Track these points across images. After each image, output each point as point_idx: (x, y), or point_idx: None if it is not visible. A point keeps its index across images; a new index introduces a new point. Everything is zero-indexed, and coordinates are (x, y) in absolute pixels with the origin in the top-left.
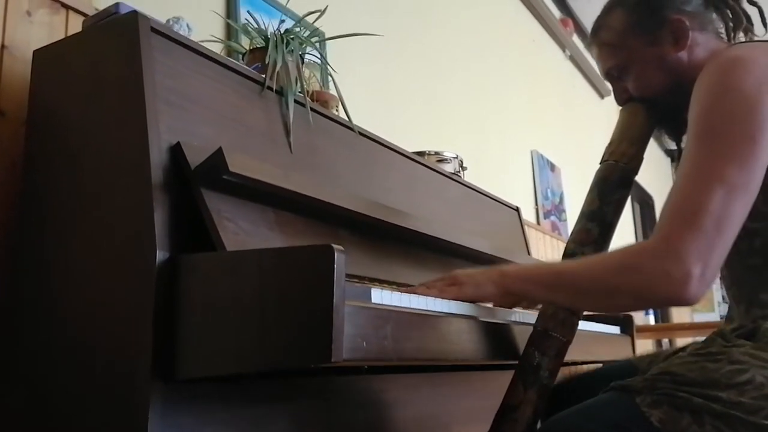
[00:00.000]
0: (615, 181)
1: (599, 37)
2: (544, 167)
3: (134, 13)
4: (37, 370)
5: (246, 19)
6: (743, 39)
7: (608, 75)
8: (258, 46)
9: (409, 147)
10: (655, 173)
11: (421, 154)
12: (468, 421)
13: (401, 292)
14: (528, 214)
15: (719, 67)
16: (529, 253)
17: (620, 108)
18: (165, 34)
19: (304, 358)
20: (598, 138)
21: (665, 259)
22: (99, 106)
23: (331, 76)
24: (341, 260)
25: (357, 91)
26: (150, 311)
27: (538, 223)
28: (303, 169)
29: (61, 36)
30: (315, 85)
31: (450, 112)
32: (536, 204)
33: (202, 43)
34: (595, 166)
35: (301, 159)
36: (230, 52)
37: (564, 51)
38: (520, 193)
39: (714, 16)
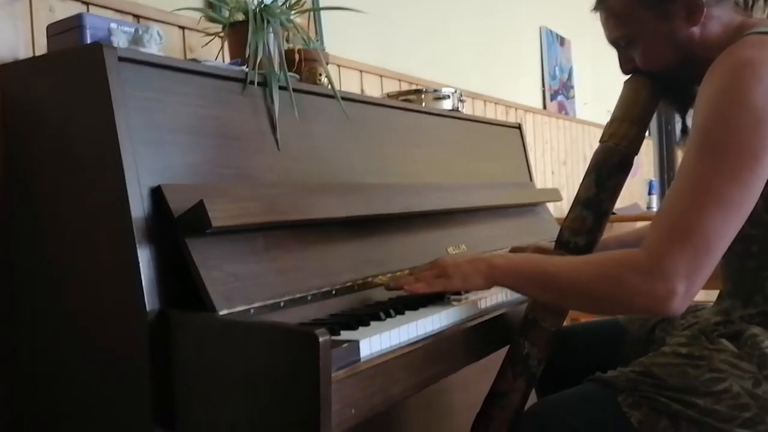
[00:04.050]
0: (614, 165)
1: (606, 3)
2: (552, 43)
3: (99, 46)
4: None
5: None
6: (762, 5)
7: (614, 44)
8: (238, 20)
9: (411, 59)
10: None
11: (418, 92)
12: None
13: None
14: (534, 100)
15: (729, 71)
16: (530, 176)
17: (624, 80)
18: (134, 60)
19: None
20: None
21: (652, 276)
22: (73, 149)
23: (316, 48)
24: (326, 348)
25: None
26: (147, 367)
27: (545, 107)
28: (292, 164)
29: (27, 26)
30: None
31: None
32: (543, 86)
33: (181, 12)
34: None
35: (290, 152)
36: (212, 20)
37: None
38: (526, 78)
39: None
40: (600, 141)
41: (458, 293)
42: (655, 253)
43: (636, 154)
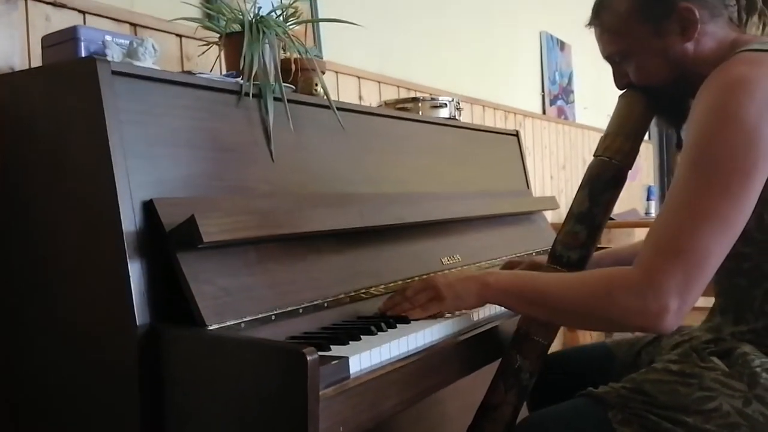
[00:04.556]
0: (607, 180)
1: (601, 18)
2: (552, 48)
3: (92, 60)
4: None
5: (219, 1)
6: (756, 22)
7: (609, 59)
8: (234, 30)
9: (410, 66)
10: None
11: (415, 100)
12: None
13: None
14: (534, 104)
15: (721, 88)
16: (527, 183)
17: (619, 94)
18: (128, 74)
19: None
20: None
21: (644, 293)
22: (66, 162)
23: (312, 58)
24: (315, 366)
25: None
26: (136, 381)
27: (544, 111)
28: (286, 176)
29: (23, 35)
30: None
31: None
32: (543, 91)
33: (178, 22)
34: None
35: (284, 163)
36: (209, 29)
37: None
38: (526, 83)
39: None
40: (594, 155)
41: None
42: (648, 270)
43: (630, 168)
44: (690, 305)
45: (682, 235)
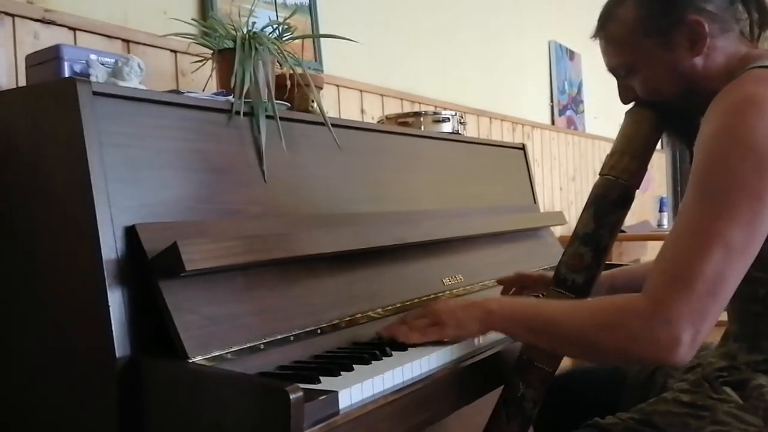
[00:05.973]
0: (614, 200)
1: (607, 29)
2: (561, 58)
3: (72, 81)
4: None
5: (212, 18)
6: None
7: (614, 72)
8: (227, 46)
9: (414, 77)
10: None
11: (417, 115)
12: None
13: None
14: (542, 115)
15: (730, 109)
16: (534, 198)
17: (625, 111)
18: (111, 94)
19: None
20: None
21: (655, 323)
22: (46, 187)
23: (306, 74)
24: (298, 405)
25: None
26: (115, 415)
27: (553, 122)
28: (280, 196)
29: (10, 52)
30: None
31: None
32: (551, 101)
33: (172, 37)
34: None
35: (278, 184)
36: (202, 45)
37: None
38: (534, 93)
39: (740, 8)
40: (600, 173)
41: None
42: (658, 299)
43: (638, 188)
44: (704, 335)
45: (693, 261)
